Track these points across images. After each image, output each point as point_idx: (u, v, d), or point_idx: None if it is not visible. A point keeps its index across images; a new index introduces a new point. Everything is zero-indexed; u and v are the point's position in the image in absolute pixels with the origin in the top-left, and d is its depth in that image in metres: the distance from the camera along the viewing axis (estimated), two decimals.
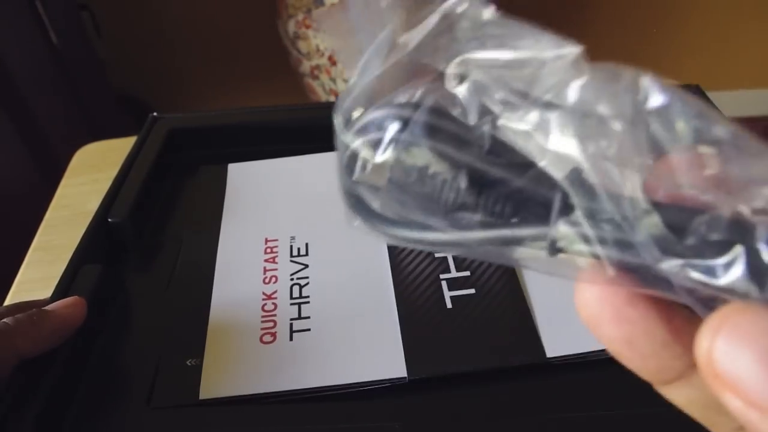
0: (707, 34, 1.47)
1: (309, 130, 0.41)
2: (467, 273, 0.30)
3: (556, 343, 0.27)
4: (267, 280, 0.31)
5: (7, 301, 0.38)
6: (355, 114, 0.14)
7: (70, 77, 0.97)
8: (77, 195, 0.36)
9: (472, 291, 0.29)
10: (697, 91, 0.41)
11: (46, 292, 0.29)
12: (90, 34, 1.07)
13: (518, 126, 0.13)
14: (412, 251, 0.32)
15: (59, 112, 0.98)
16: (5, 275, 0.42)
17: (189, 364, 0.27)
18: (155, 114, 0.41)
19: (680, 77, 0.42)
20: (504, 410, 0.25)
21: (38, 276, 0.38)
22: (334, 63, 1.01)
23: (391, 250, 0.32)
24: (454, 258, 0.31)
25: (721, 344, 0.11)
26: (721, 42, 1.48)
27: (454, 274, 0.30)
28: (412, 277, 0.30)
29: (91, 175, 0.37)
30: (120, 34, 1.31)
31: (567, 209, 0.12)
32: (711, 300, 0.11)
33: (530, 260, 0.13)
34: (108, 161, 0.39)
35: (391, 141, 0.13)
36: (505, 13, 0.14)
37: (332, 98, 1.07)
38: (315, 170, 0.38)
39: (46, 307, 0.26)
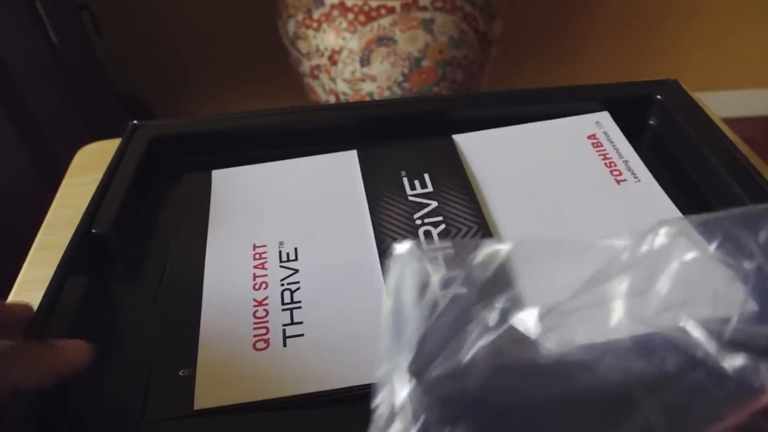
0: (707, 34, 1.47)
1: (293, 135, 0.41)
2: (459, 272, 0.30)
3: (549, 341, 0.27)
4: (257, 287, 0.31)
5: (9, 300, 0.38)
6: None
7: (70, 77, 0.97)
8: (79, 195, 0.36)
9: (464, 289, 0.29)
10: (676, 85, 0.41)
11: None
12: (90, 34, 1.07)
13: None
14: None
15: (59, 112, 0.97)
16: (7, 275, 0.42)
17: (182, 374, 0.27)
18: (135, 122, 0.41)
19: (681, 77, 0.42)
20: None
21: (40, 276, 0.38)
22: (334, 63, 1.01)
23: (381, 251, 0.32)
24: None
25: None
26: (722, 42, 1.48)
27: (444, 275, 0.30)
28: None
29: (92, 175, 0.37)
30: (120, 34, 1.30)
31: None
32: None
33: None
34: (108, 161, 0.39)
35: None
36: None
37: (332, 98, 1.07)
38: (300, 175, 0.38)
39: (55, 342, 0.24)
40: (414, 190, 0.35)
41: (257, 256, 0.33)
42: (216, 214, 0.35)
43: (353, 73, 1.01)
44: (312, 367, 0.27)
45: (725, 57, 1.51)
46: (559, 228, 0.32)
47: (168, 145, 0.40)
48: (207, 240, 0.34)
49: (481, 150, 0.38)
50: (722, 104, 1.56)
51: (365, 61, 0.99)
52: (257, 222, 0.35)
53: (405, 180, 0.36)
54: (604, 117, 0.40)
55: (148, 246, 0.34)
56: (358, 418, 0.24)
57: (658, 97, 0.40)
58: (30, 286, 0.39)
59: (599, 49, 1.46)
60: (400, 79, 1.01)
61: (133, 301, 0.31)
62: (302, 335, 0.28)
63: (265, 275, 0.31)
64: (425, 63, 1.00)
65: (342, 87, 1.04)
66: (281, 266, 0.32)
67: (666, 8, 1.42)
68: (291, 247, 0.33)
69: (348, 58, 0.99)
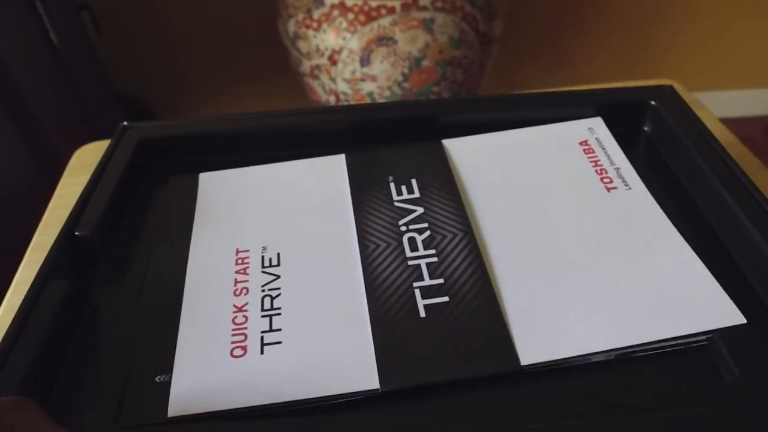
0: (707, 35, 1.47)
1: (282, 138, 0.40)
2: (441, 280, 0.30)
3: (531, 351, 0.26)
4: (238, 292, 0.30)
5: (6, 300, 0.38)
6: None
7: (70, 77, 0.97)
8: (76, 195, 0.35)
9: (446, 299, 0.29)
10: (670, 91, 0.40)
11: None
12: (90, 34, 1.07)
13: None
14: (385, 259, 0.31)
15: (59, 112, 0.98)
16: (4, 275, 0.42)
17: (158, 380, 0.26)
18: (125, 123, 0.40)
19: (680, 77, 0.42)
20: (478, 420, 0.25)
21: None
22: (334, 63, 1.01)
23: (364, 258, 0.31)
24: (428, 265, 0.31)
25: None
26: (721, 42, 1.48)
27: (427, 282, 0.30)
28: (385, 286, 0.30)
29: (89, 175, 0.37)
30: (120, 34, 1.31)
31: None
32: None
33: None
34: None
35: None
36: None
37: (332, 98, 1.07)
38: (287, 179, 0.37)
39: None
40: (401, 196, 0.35)
41: (239, 261, 0.32)
42: (201, 217, 0.35)
43: (353, 73, 1.01)
44: (288, 376, 0.26)
45: (725, 57, 1.51)
46: (547, 235, 0.32)
47: (157, 147, 0.40)
48: (190, 244, 0.33)
49: (471, 155, 0.38)
50: (722, 104, 1.56)
51: (365, 61, 0.99)
52: (242, 226, 0.34)
53: (392, 185, 0.36)
54: (597, 123, 0.39)
55: (132, 249, 0.34)
56: (333, 427, 0.24)
57: (653, 102, 0.39)
58: (26, 287, 0.39)
59: (599, 49, 1.46)
60: (400, 79, 1.01)
61: (114, 304, 0.31)
62: (280, 342, 0.28)
63: (246, 281, 0.31)
64: (425, 63, 1.00)
65: (342, 87, 1.04)
66: (263, 272, 0.31)
67: (666, 8, 1.42)
68: (274, 253, 0.32)
69: (348, 58, 0.99)
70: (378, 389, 0.25)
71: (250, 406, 0.25)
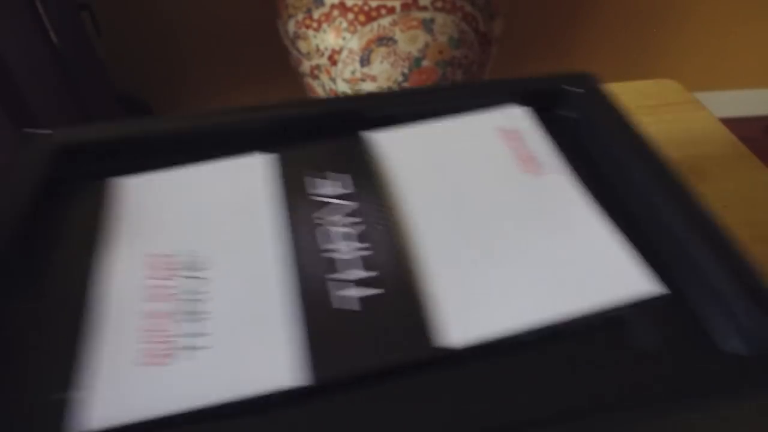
0: (707, 34, 1.47)
1: (204, 139, 0.39)
2: (367, 272, 0.30)
3: (459, 333, 0.27)
4: (159, 298, 0.29)
5: None
6: None
7: (70, 77, 0.97)
8: None
9: (372, 290, 0.29)
10: (589, 78, 0.41)
11: None
12: (90, 34, 1.07)
13: None
14: (309, 255, 0.31)
15: (59, 112, 0.98)
16: None
17: (67, 397, 0.25)
18: (44, 131, 0.38)
19: (680, 77, 0.42)
20: (409, 407, 0.25)
21: None
22: (334, 63, 1.01)
23: (288, 256, 0.31)
24: (354, 258, 0.31)
25: None
26: (721, 42, 1.48)
27: (354, 274, 0.30)
28: (311, 282, 0.30)
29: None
30: (120, 34, 1.31)
31: None
32: None
33: None
34: None
35: None
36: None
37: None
38: (205, 181, 0.37)
39: None
40: (323, 190, 0.35)
41: (159, 267, 0.31)
42: (115, 224, 0.34)
43: (353, 73, 1.01)
44: (212, 379, 0.26)
45: (724, 57, 1.51)
46: (472, 221, 0.33)
47: (74, 155, 0.38)
48: (104, 252, 0.32)
49: (392, 147, 0.38)
50: (722, 104, 1.56)
51: (365, 61, 0.99)
52: (159, 231, 0.33)
53: (316, 181, 0.35)
54: (519, 110, 0.40)
55: (47, 262, 0.32)
56: (262, 427, 0.24)
57: (572, 89, 0.40)
58: None
59: (599, 49, 1.47)
60: (400, 79, 1.01)
61: (26, 323, 0.29)
62: (201, 347, 0.27)
63: (168, 286, 0.30)
64: (425, 63, 1.00)
65: (342, 87, 1.04)
66: (187, 276, 0.31)
67: (666, 8, 1.42)
68: (196, 257, 0.32)
69: (348, 58, 0.99)
70: (304, 385, 0.25)
71: (169, 414, 0.24)
